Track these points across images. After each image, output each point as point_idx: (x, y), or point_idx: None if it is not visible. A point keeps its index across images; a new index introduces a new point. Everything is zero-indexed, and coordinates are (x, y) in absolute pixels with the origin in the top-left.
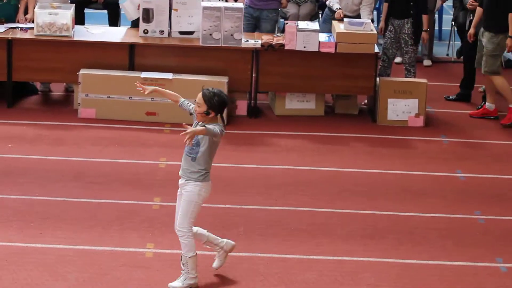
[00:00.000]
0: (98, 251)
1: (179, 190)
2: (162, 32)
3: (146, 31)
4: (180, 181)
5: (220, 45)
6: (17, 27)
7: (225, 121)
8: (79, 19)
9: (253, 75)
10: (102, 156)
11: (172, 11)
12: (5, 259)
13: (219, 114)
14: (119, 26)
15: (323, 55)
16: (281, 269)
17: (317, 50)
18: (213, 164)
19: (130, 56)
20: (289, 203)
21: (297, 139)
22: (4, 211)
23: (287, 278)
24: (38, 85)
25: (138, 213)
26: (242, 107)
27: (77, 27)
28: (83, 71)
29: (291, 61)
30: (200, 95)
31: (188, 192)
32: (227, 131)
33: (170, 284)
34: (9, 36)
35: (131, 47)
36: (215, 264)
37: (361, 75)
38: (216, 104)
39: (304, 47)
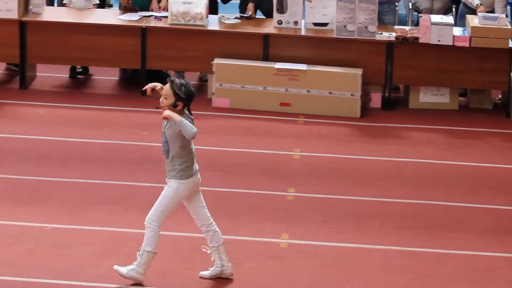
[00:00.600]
0: (233, 240)
1: None
2: (296, 23)
3: (280, 21)
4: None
5: (354, 37)
6: (151, 16)
7: (192, 113)
8: (213, 8)
9: (387, 67)
10: (236, 146)
11: (306, 2)
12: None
13: (186, 106)
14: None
15: (458, 49)
16: (416, 262)
17: (452, 44)
18: (348, 156)
19: (264, 47)
20: (424, 197)
21: (431, 133)
22: (138, 199)
23: (422, 272)
24: (171, 74)
25: (273, 203)
26: (376, 99)
27: (211, 16)
28: (217, 61)
29: (425, 54)
30: (167, 86)
31: (167, 187)
32: (362, 123)
33: (116, 266)
34: (143, 24)
35: (265, 37)
36: (204, 273)
37: (495, 69)
38: (184, 96)
39: (439, 40)
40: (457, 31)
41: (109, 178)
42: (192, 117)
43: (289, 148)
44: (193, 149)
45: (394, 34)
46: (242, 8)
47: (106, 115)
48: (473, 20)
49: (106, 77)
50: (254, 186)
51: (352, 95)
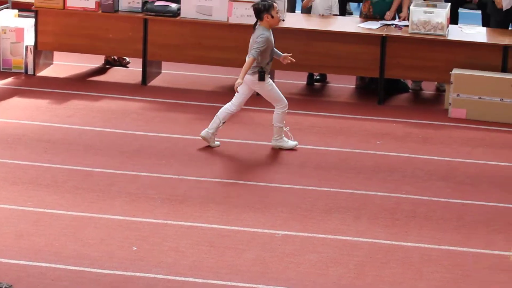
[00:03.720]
0: (463, 252)
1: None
2: None
3: None
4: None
5: None
6: (392, 24)
7: None
8: (454, 18)
9: None
10: (471, 157)
11: None
12: (369, 255)
13: None
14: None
15: None
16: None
17: None
18: None
19: (503, 58)
20: None
21: None
22: (371, 207)
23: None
24: (409, 83)
25: (506, 215)
26: None
27: (451, 26)
28: (455, 71)
29: None
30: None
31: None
32: None
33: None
34: (384, 33)
35: (505, 48)
36: None
37: None
38: None
39: None
40: None
41: (341, 187)
42: None
43: None
44: None
45: None
46: None
47: (342, 123)
48: None
49: (343, 85)
50: (487, 198)
51: None
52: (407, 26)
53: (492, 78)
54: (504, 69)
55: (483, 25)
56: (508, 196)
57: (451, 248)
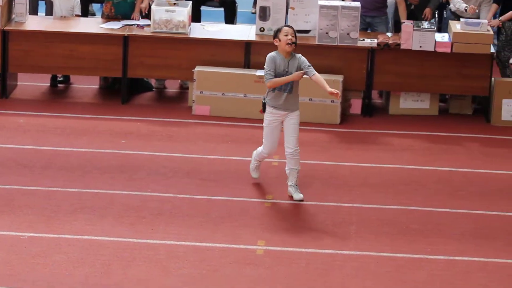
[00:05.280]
0: (209, 247)
1: (276, 119)
2: None
3: (262, 29)
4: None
5: (336, 44)
6: (134, 24)
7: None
8: (196, 17)
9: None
10: (215, 153)
11: (289, 9)
12: (115, 254)
13: None
14: (235, 23)
15: (439, 55)
16: (392, 268)
17: (433, 49)
18: (327, 163)
19: (246, 54)
20: (402, 202)
21: (411, 139)
22: (117, 206)
23: (398, 277)
24: (153, 82)
25: (250, 210)
26: (356, 105)
27: (194, 24)
28: (198, 68)
29: (407, 60)
30: (291, 29)
31: (297, 116)
32: (342, 130)
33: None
34: (125, 32)
35: (247, 44)
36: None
37: (476, 75)
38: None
39: (420, 46)
40: (439, 37)
41: (86, 187)
42: None
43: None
44: None
45: (376, 41)
46: None
47: (86, 124)
48: (455, 26)
49: (86, 85)
50: (232, 194)
51: (332, 101)
52: (149, 25)
53: (235, 74)
54: (247, 65)
55: (226, 23)
56: (252, 190)
57: (197, 244)
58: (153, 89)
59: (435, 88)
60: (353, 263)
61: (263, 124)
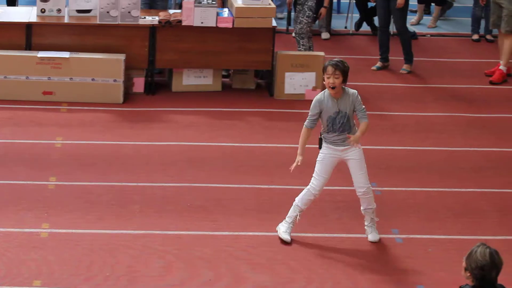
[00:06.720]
0: None
1: (332, 154)
2: (59, 11)
3: (43, 10)
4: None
5: (117, 23)
6: None
7: None
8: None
9: (150, 52)
10: None
11: None
12: None
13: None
14: (17, 5)
15: (221, 30)
16: (177, 245)
17: (215, 25)
18: (110, 142)
19: (27, 36)
20: (185, 180)
21: (194, 115)
22: None
23: (183, 255)
24: None
25: (34, 193)
26: (139, 84)
27: None
28: None
29: (189, 37)
30: (333, 68)
31: (360, 151)
32: (125, 109)
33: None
34: None
35: (28, 26)
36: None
37: (260, 49)
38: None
39: (202, 22)
40: (221, 12)
41: None
42: None
43: (51, 137)
44: None
45: (157, 18)
46: None
47: None
48: (236, 1)
49: None
50: (15, 177)
51: (114, 80)
52: None
53: (16, 56)
54: (28, 47)
55: (8, 5)
56: (36, 173)
57: None
58: None
59: (217, 64)
60: (138, 242)
61: (318, 158)
